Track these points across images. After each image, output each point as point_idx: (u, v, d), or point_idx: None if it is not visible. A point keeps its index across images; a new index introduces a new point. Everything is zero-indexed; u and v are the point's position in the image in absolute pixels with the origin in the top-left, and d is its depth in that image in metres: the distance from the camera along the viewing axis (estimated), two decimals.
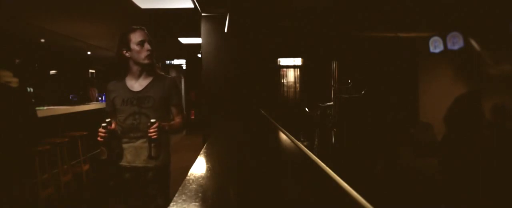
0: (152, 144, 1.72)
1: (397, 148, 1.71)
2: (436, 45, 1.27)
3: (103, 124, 1.71)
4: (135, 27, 1.86)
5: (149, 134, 1.70)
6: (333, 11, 2.42)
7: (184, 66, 10.88)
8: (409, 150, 1.62)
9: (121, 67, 1.87)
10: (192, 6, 3.63)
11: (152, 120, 1.70)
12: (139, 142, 1.83)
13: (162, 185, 1.89)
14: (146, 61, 1.83)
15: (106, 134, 1.72)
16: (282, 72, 4.70)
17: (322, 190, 1.05)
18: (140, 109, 1.81)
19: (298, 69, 4.71)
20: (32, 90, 5.63)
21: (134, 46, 1.80)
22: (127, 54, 1.82)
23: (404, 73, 1.63)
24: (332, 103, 2.45)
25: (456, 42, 1.16)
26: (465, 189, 1.12)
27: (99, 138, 1.72)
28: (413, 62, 1.57)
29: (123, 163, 1.87)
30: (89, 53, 8.20)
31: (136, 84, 1.87)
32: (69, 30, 5.66)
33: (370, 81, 2.05)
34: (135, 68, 1.85)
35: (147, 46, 1.82)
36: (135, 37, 1.81)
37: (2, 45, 6.01)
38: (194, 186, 1.01)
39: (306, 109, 2.89)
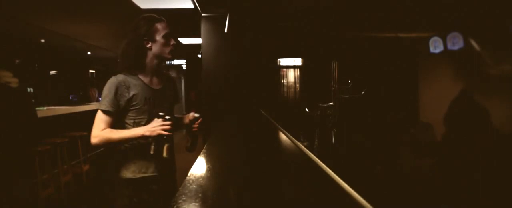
0: (195, 140, 1.70)
1: (397, 148, 1.71)
2: (436, 46, 1.27)
3: (167, 116, 1.49)
4: (159, 16, 1.65)
5: (195, 130, 1.66)
6: (333, 11, 2.42)
7: (184, 66, 10.90)
8: (409, 150, 1.62)
9: (135, 60, 1.59)
10: (192, 6, 3.63)
11: (196, 115, 1.64)
12: (165, 147, 1.57)
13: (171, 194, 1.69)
14: (169, 56, 1.63)
15: (171, 127, 1.48)
16: (282, 72, 4.70)
17: (322, 190, 1.05)
18: (162, 109, 1.61)
19: (298, 69, 4.71)
20: (32, 90, 5.63)
21: (159, 38, 1.59)
22: (148, 46, 1.59)
23: (404, 73, 1.63)
24: (332, 103, 2.45)
25: (456, 42, 1.16)
26: (463, 189, 1.13)
27: (163, 132, 1.46)
28: (413, 62, 1.58)
29: (148, 173, 1.58)
30: (89, 53, 8.21)
31: (154, 82, 1.65)
32: (69, 30, 5.66)
33: (370, 81, 2.05)
34: (154, 63, 1.62)
35: (172, 40, 1.64)
36: (163, 28, 1.61)
37: (2, 45, 6.01)
38: (194, 186, 1.01)
39: (306, 109, 2.89)
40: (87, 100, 6.78)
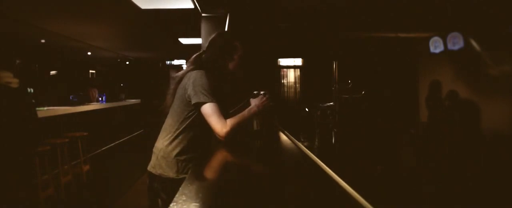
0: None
1: (397, 148, 1.71)
2: (436, 46, 1.27)
3: (262, 92, 1.61)
4: (237, 34, 1.64)
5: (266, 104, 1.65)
6: (333, 12, 2.42)
7: (184, 67, 10.89)
8: (409, 151, 1.62)
9: (212, 71, 1.54)
10: (192, 6, 3.63)
11: (262, 92, 1.65)
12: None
13: None
14: (240, 76, 1.63)
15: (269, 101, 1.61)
16: (282, 72, 4.70)
17: (322, 190, 1.05)
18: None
19: (298, 69, 4.71)
20: (32, 90, 5.63)
21: (237, 57, 1.58)
22: (225, 62, 1.59)
23: (404, 73, 1.63)
24: (332, 103, 2.45)
25: (456, 42, 1.16)
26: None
27: (268, 105, 1.58)
28: (413, 62, 1.58)
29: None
30: (89, 53, 8.20)
31: None
32: (69, 30, 5.67)
33: (370, 81, 2.05)
34: (220, 77, 1.60)
35: (246, 62, 1.61)
36: (241, 48, 1.58)
37: (2, 45, 6.01)
38: (194, 186, 1.02)
39: (306, 109, 2.89)
40: (87, 100, 6.76)
